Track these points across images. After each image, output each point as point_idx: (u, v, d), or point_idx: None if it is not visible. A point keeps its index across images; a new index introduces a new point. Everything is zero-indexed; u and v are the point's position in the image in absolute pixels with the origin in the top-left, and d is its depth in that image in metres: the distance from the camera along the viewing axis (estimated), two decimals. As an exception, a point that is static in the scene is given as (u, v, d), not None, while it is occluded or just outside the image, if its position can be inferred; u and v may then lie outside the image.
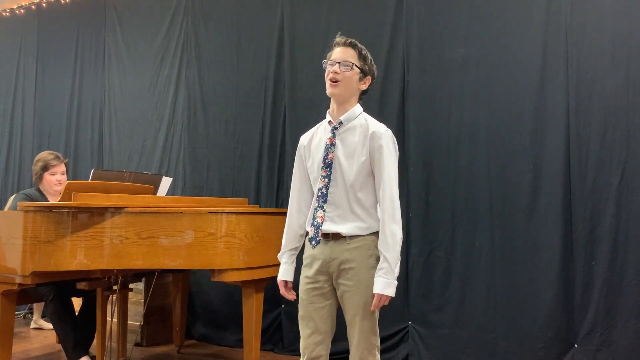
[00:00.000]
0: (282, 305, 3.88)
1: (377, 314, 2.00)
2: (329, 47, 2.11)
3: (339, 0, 3.84)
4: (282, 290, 2.13)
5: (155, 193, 3.38)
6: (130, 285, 3.59)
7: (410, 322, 3.47)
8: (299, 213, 2.12)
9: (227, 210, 2.74)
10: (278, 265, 2.99)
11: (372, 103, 3.65)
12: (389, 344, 3.48)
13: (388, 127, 1.96)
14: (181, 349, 3.90)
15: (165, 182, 3.52)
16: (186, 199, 3.76)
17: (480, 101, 3.35)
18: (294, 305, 3.78)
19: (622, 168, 2.97)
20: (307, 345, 2.02)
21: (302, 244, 2.15)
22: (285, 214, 3.07)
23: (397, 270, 1.93)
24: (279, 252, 2.92)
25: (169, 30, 4.63)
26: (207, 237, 2.68)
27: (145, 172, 4.05)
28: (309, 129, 2.19)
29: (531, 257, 3.15)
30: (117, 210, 2.66)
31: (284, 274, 2.12)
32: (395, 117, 3.57)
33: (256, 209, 3.51)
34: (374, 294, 1.92)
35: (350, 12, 3.79)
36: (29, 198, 3.35)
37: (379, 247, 1.95)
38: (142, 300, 3.98)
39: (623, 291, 2.94)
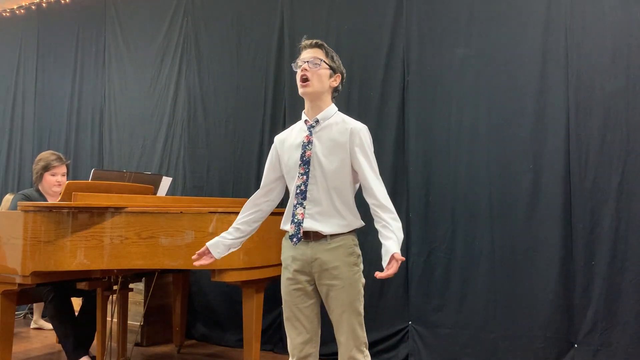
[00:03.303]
0: (282, 305, 3.88)
1: (362, 310, 2.02)
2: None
3: (339, 0, 3.84)
4: (199, 252, 2.10)
5: (155, 193, 3.38)
6: (130, 285, 3.59)
7: (410, 322, 3.47)
8: (262, 204, 2.16)
9: (227, 210, 2.74)
10: (278, 265, 2.98)
11: (372, 103, 3.66)
12: (389, 344, 3.48)
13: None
14: (181, 349, 3.90)
15: (165, 182, 3.52)
16: (186, 199, 3.76)
17: (480, 101, 3.35)
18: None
19: (622, 168, 2.97)
20: (296, 345, 2.03)
21: (248, 233, 2.16)
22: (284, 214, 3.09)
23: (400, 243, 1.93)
24: (278, 252, 2.91)
25: (169, 30, 4.63)
26: (207, 237, 2.66)
27: (145, 172, 4.05)
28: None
29: (531, 257, 3.15)
30: (117, 210, 2.66)
31: (213, 242, 2.10)
32: (395, 117, 3.57)
33: (256, 209, 3.51)
34: (360, 289, 1.99)
35: (350, 12, 3.79)
36: (27, 198, 3.34)
37: (384, 232, 1.92)
38: (142, 300, 3.98)
39: (623, 291, 2.94)
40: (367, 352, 2.02)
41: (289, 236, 2.04)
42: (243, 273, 2.76)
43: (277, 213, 3.02)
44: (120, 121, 4.89)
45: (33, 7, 5.60)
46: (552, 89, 3.16)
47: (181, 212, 2.70)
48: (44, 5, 5.52)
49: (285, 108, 3.98)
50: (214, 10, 4.41)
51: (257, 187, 4.08)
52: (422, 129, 3.51)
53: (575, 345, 3.04)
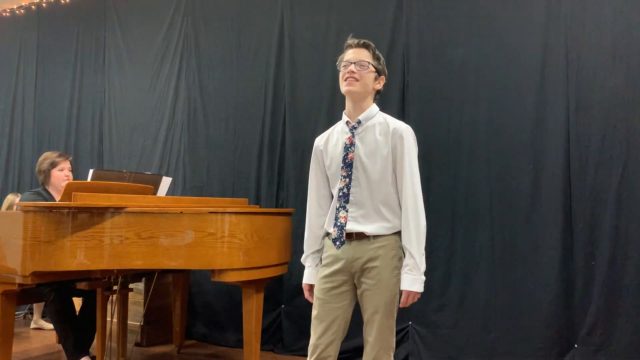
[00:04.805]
0: (282, 306, 3.88)
1: (395, 314, 2.00)
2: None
3: (339, 0, 3.84)
4: (307, 294, 2.11)
5: (155, 193, 3.38)
6: (130, 285, 3.59)
7: (410, 322, 3.47)
8: (318, 216, 2.10)
9: (227, 210, 2.74)
10: (278, 265, 3.00)
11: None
12: (389, 344, 3.48)
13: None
14: (181, 349, 3.90)
15: (165, 182, 3.52)
16: (186, 199, 3.76)
17: (480, 101, 3.35)
18: (294, 305, 3.81)
19: (622, 168, 2.97)
20: (318, 344, 1.99)
21: (322, 246, 2.12)
22: (285, 214, 3.10)
23: (423, 267, 1.93)
24: (278, 252, 2.90)
25: (169, 30, 4.63)
26: (207, 237, 2.68)
27: (145, 172, 4.05)
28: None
29: (531, 257, 3.15)
30: (117, 210, 2.66)
31: (309, 277, 2.10)
32: (395, 117, 3.56)
33: (256, 209, 3.51)
34: (397, 293, 1.94)
35: (350, 12, 3.79)
36: (38, 193, 3.43)
37: (403, 243, 1.95)
38: (142, 300, 3.98)
39: (623, 291, 2.94)
40: (392, 358, 1.99)
41: (332, 239, 2.01)
42: (243, 273, 2.76)
43: (277, 213, 3.04)
44: (120, 121, 4.89)
45: (33, 7, 5.60)
46: (552, 89, 3.16)
47: (181, 212, 2.69)
48: (44, 5, 5.52)
49: (285, 108, 3.98)
50: (214, 10, 4.41)
51: (257, 187, 4.15)
52: (422, 129, 3.50)
53: (575, 345, 3.04)
